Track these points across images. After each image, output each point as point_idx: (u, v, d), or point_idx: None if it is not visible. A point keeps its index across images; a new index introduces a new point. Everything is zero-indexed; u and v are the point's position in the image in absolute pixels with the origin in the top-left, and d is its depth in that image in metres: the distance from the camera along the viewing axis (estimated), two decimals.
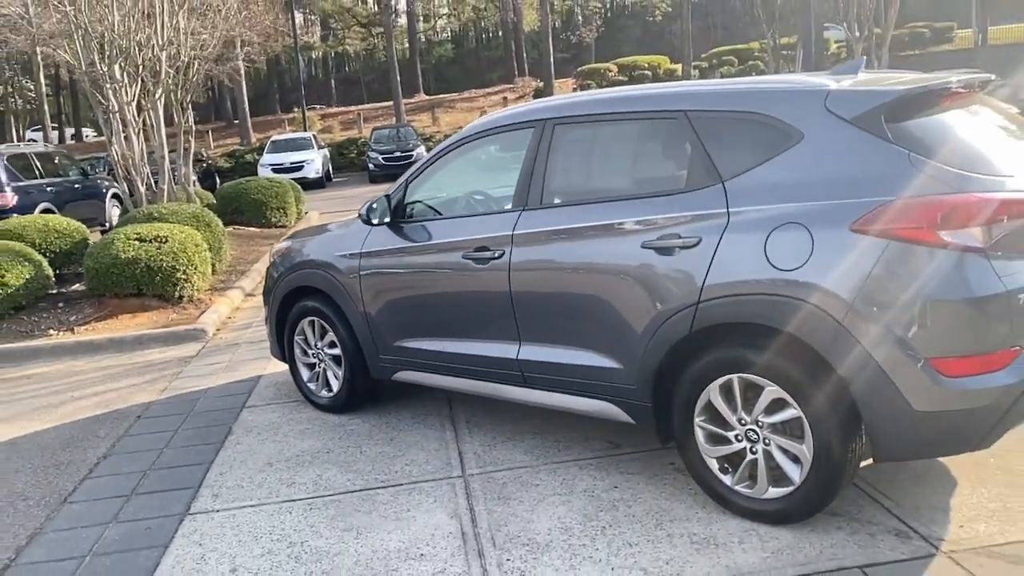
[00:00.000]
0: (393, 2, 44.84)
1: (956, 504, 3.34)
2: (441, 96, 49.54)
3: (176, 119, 12.73)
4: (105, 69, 10.64)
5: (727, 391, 3.31)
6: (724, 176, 3.32)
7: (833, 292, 2.96)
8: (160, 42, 11.02)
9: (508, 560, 3.22)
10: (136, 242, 8.23)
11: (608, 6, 54.02)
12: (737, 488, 3.36)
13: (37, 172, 14.29)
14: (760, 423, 3.24)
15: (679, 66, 42.77)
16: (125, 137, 11.06)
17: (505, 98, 43.18)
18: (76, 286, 8.82)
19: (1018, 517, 3.19)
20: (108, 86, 10.78)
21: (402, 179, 4.62)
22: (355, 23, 57.73)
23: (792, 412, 3.14)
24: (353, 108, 47.05)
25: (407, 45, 56.50)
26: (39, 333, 7.72)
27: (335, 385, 5.02)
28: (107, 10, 10.49)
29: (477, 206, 4.41)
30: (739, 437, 3.32)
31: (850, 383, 2.98)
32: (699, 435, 3.42)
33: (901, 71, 3.99)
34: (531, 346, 3.97)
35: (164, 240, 8.33)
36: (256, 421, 5.09)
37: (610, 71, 46.09)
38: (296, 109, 41.39)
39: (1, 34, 13.24)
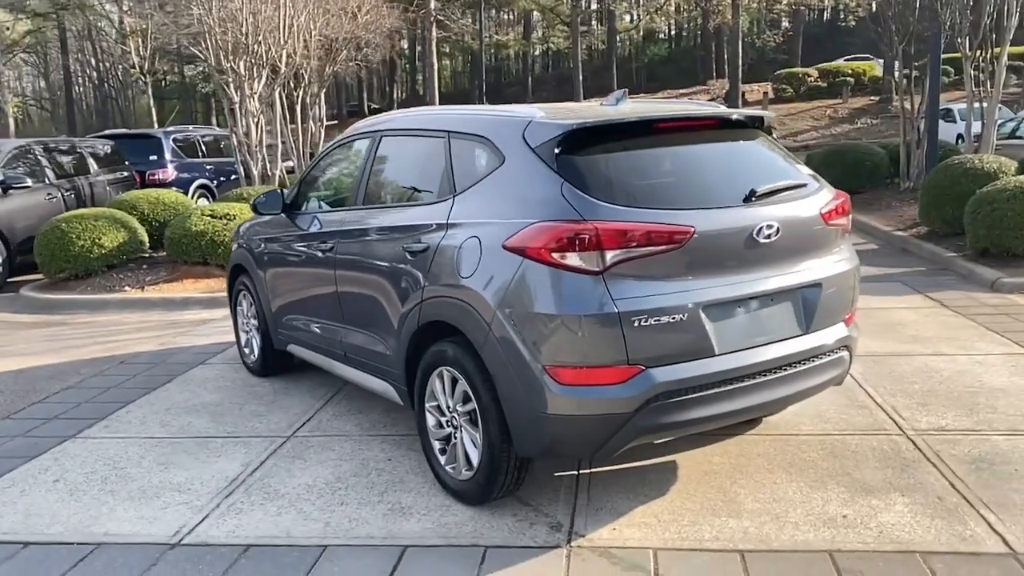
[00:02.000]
0: (583, 1, 45.39)
1: (639, 511, 3.55)
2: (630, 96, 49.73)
3: (306, 111, 14.09)
4: (229, 65, 12.10)
5: (442, 381, 3.72)
6: (456, 191, 3.72)
7: (485, 300, 3.32)
8: (281, 42, 12.33)
9: (241, 503, 3.82)
10: (208, 217, 9.49)
11: (816, 8, 51.59)
12: (447, 468, 3.76)
13: (200, 152, 16.32)
14: (458, 411, 3.64)
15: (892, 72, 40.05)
16: (244, 125, 12.51)
17: (690, 100, 42.61)
18: (163, 252, 10.23)
19: (670, 529, 3.37)
20: (232, 80, 12.24)
21: (301, 175, 5.31)
22: (559, 21, 59.03)
23: (473, 404, 3.51)
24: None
25: (621, 44, 57.08)
26: (117, 289, 9.14)
27: (256, 351, 5.81)
28: (238, 13, 11.92)
29: (335, 202, 4.99)
30: (449, 423, 3.73)
31: (496, 381, 3.33)
32: (428, 419, 3.85)
33: (664, 102, 4.15)
34: (348, 329, 4.53)
35: (232, 217, 9.53)
36: (197, 375, 5.98)
37: (809, 76, 44.27)
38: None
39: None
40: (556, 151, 3.33)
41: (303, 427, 4.78)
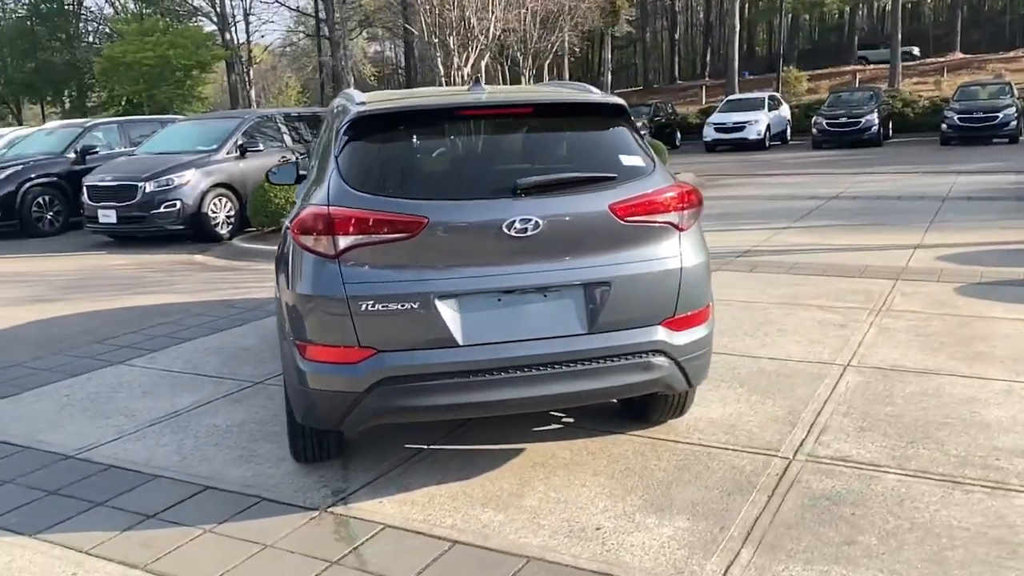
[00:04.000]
0: None
1: (425, 491, 3.62)
2: (972, 56, 44.08)
3: (522, 82, 14.68)
4: (437, 40, 13.01)
5: None
6: (315, 172, 4.02)
7: (278, 277, 3.61)
8: (489, 17, 13.00)
9: (152, 432, 4.48)
10: None
11: None
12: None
13: None
14: None
15: None
16: None
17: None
18: None
19: (427, 511, 3.43)
20: (440, 54, 13.15)
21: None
22: None
23: None
24: (852, 68, 44.45)
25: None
26: None
27: None
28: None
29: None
30: None
31: (280, 349, 3.62)
32: None
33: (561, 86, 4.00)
34: None
35: None
36: (266, 323, 6.79)
37: None
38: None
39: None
40: (346, 138, 3.50)
41: (278, 377, 5.35)
